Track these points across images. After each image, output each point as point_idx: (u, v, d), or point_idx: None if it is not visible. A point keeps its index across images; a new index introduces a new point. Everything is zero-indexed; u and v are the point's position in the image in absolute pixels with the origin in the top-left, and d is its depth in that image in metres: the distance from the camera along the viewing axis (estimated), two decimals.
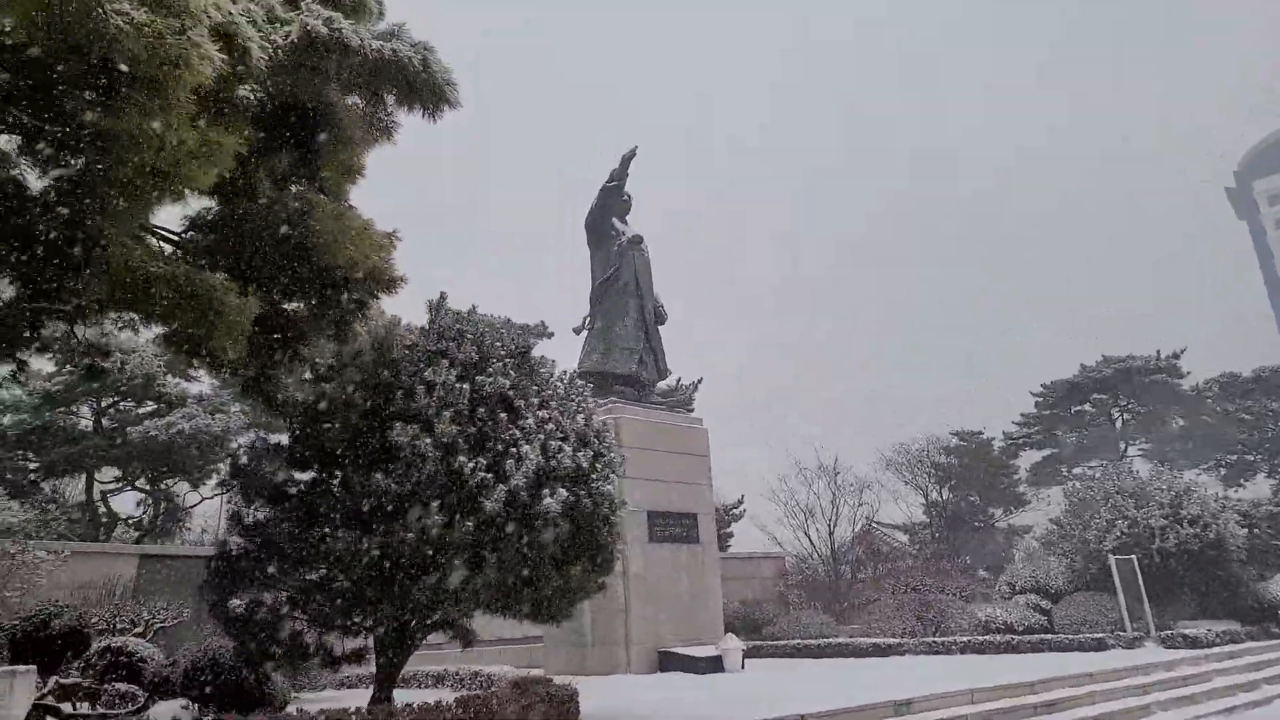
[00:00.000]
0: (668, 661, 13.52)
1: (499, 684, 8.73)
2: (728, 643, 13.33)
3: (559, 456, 6.51)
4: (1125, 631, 14.72)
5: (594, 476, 6.78)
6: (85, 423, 17.35)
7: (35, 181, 4.98)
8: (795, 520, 25.56)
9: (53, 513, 16.16)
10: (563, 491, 6.31)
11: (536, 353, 7.58)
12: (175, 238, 6.87)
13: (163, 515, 18.19)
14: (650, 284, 16.91)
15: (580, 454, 6.74)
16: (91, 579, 13.22)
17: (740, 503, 27.85)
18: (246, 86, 5.76)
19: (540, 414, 6.78)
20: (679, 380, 30.37)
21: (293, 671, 8.24)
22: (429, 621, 6.64)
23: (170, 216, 6.96)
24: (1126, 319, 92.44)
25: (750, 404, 76.42)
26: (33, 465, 16.93)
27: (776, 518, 26.49)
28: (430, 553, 5.89)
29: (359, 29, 5.44)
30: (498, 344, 7.09)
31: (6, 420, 15.51)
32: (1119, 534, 16.67)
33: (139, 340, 15.62)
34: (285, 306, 7.78)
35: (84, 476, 17.28)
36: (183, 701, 8.10)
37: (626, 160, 16.47)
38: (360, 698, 7.72)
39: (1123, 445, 32.26)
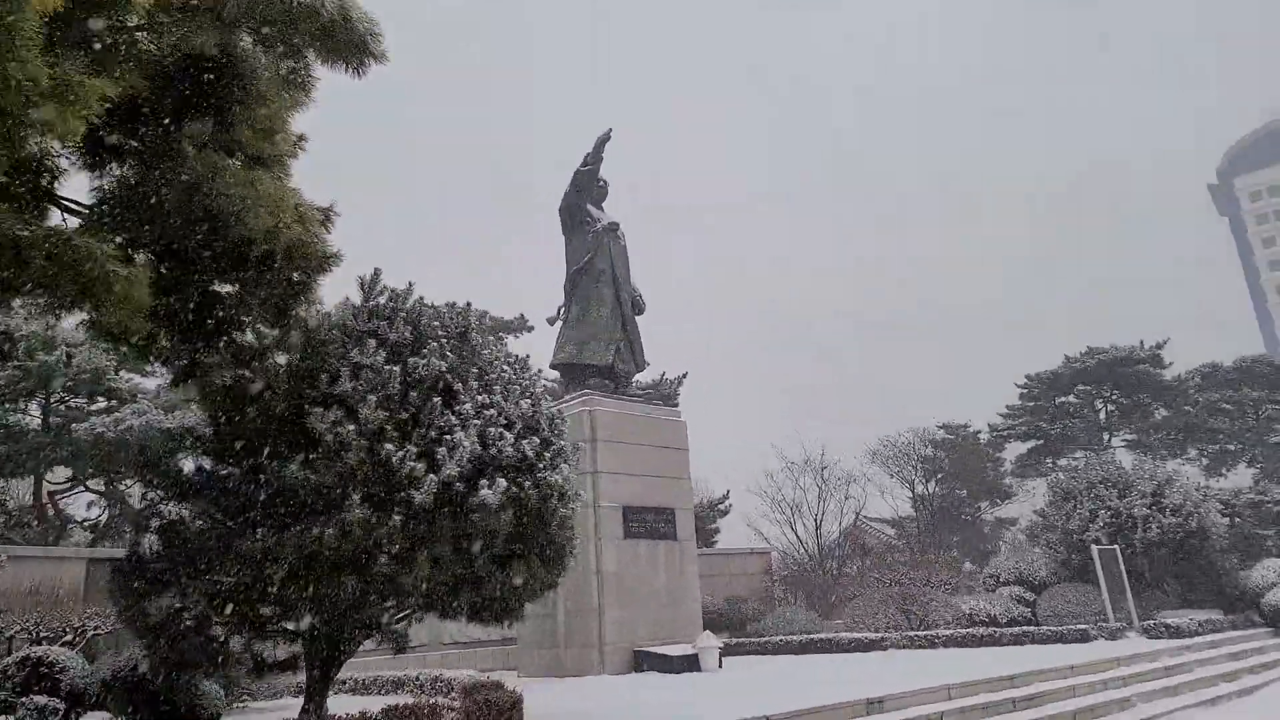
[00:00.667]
0: (643, 661, 13.11)
1: (456, 689, 8.37)
2: (704, 641, 12.92)
3: (499, 444, 5.98)
4: (1108, 622, 14.52)
5: (541, 466, 6.26)
6: (35, 420, 16.55)
7: None
8: (782, 515, 25.22)
9: None
10: (503, 482, 5.78)
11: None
12: (84, 210, 6.36)
13: (118, 517, 17.41)
14: (627, 272, 16.31)
15: (525, 442, 6.22)
16: (36, 584, 12.62)
17: (726, 498, 27.45)
18: (142, 33, 5.25)
19: (480, 399, 6.24)
20: (663, 374, 29.96)
21: (226, 682, 7.70)
22: (359, 626, 6.10)
23: (79, 187, 6.43)
24: (1110, 311, 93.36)
25: (737, 398, 76.16)
26: None
27: (763, 513, 26.14)
28: (352, 550, 5.35)
29: None
30: (435, 324, 6.55)
31: None
32: (1102, 524, 16.48)
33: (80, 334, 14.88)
34: (218, 290, 7.30)
35: (32, 477, 16.50)
36: (105, 715, 7.54)
37: (601, 143, 15.56)
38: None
39: (1106, 436, 32.27)
